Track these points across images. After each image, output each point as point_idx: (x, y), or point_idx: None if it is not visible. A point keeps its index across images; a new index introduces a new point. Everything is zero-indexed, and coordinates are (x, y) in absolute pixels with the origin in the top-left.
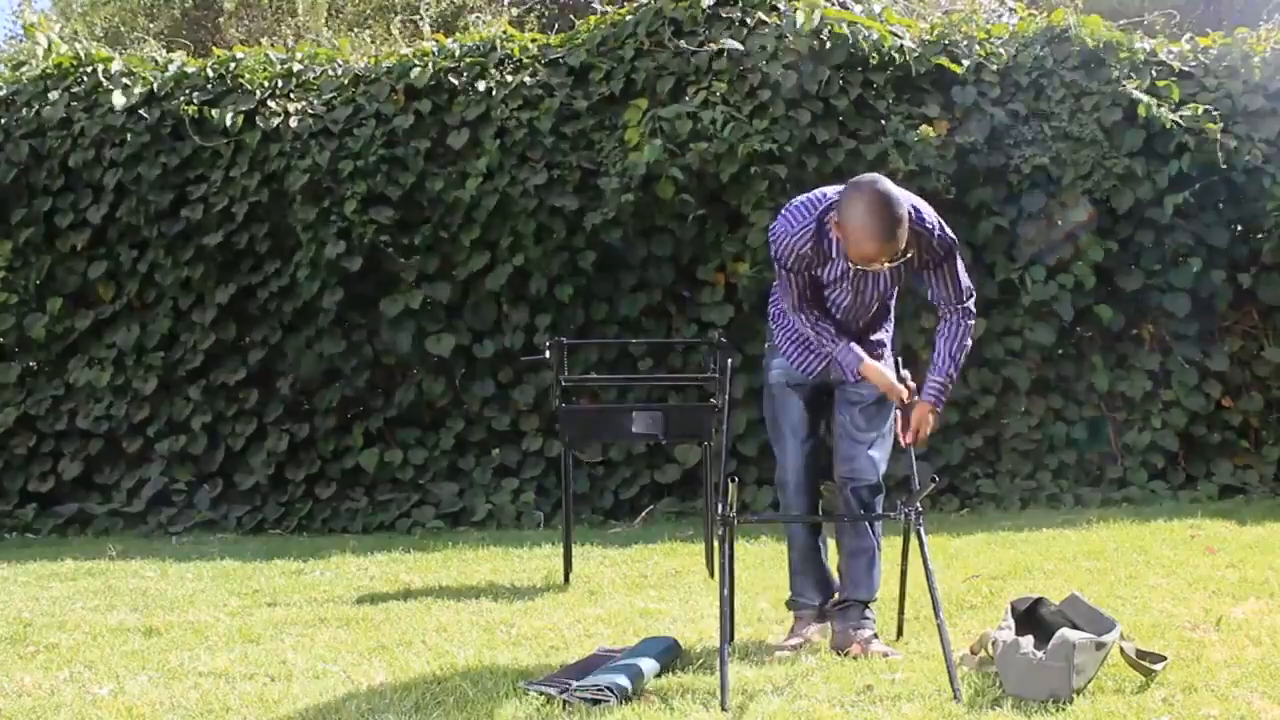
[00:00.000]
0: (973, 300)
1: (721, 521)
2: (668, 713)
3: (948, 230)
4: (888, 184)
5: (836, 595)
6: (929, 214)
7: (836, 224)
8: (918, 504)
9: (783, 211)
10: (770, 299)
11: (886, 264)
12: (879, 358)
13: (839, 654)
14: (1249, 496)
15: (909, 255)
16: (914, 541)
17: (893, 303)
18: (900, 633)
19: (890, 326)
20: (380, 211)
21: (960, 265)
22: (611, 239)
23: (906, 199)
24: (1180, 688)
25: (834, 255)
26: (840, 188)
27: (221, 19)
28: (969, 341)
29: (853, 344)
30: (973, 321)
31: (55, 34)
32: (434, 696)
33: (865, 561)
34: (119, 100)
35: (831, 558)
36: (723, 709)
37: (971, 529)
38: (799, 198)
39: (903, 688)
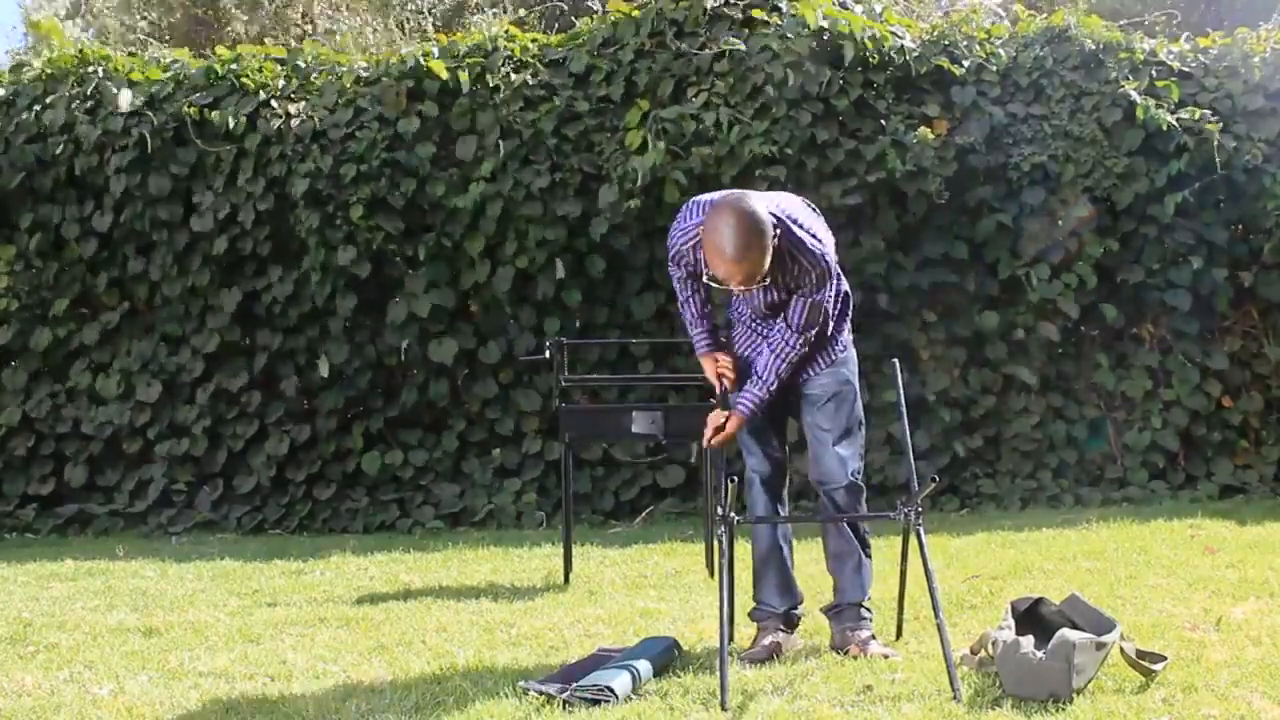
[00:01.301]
0: (802, 334)
1: (721, 522)
2: (668, 713)
3: (833, 265)
4: (752, 206)
5: (803, 604)
6: (828, 244)
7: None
8: (917, 504)
9: (683, 206)
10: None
11: (740, 287)
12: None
13: (839, 654)
14: (1249, 496)
15: (766, 282)
16: (914, 542)
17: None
18: (900, 633)
19: (831, 338)
20: (384, 215)
21: (824, 301)
22: (618, 245)
23: (805, 225)
24: (1180, 688)
25: (705, 267)
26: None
27: (236, 7)
28: (795, 358)
29: (706, 333)
30: (804, 347)
31: (62, 35)
32: (434, 696)
33: (851, 564)
34: (124, 103)
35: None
36: (723, 709)
37: (971, 529)
38: (703, 195)
39: (903, 688)
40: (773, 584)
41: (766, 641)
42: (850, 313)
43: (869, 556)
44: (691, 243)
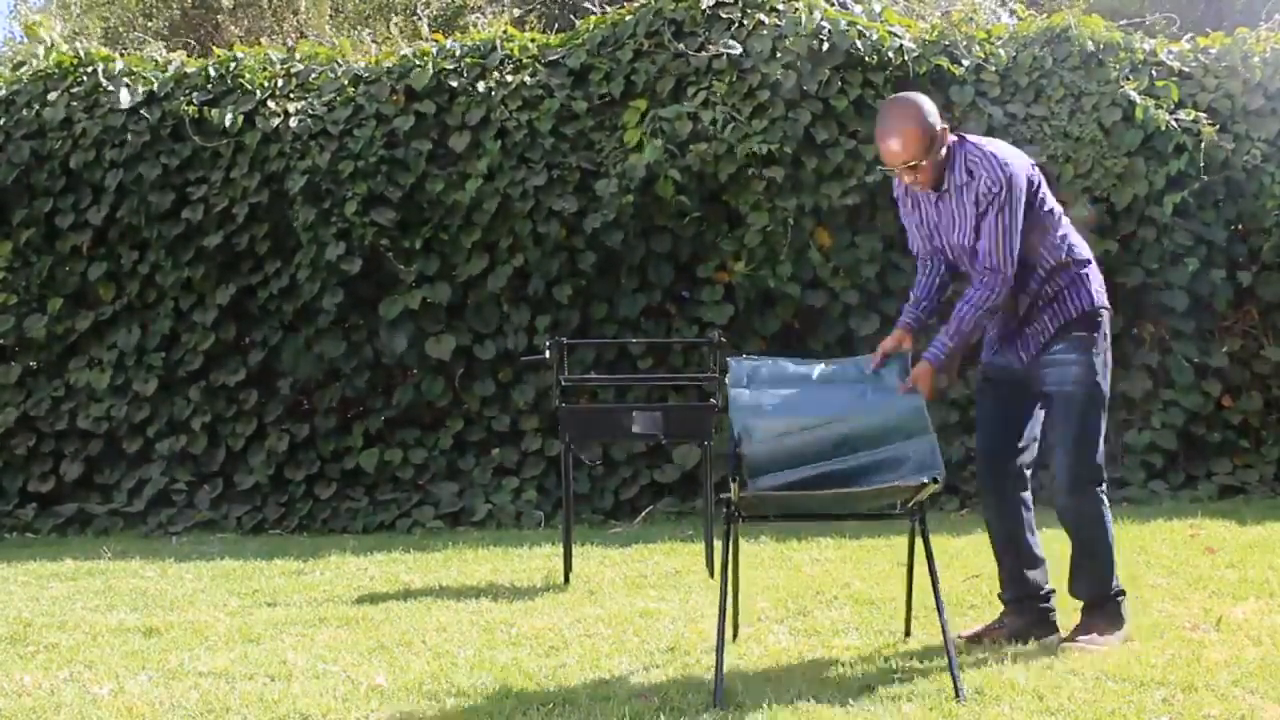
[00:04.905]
0: (996, 274)
1: (725, 519)
2: (667, 712)
3: (1005, 181)
4: (914, 94)
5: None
6: (997, 153)
7: None
8: (920, 504)
9: None
10: None
11: (902, 174)
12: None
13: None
14: (1249, 496)
15: (920, 165)
16: (918, 541)
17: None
18: (908, 632)
19: (1058, 300)
20: (381, 213)
21: (1000, 224)
22: (612, 241)
23: (985, 143)
24: (1180, 688)
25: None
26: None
27: (220, 16)
28: (982, 310)
29: (910, 307)
30: (991, 293)
31: (56, 34)
32: (434, 696)
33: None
34: (125, 98)
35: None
36: (717, 706)
37: (971, 529)
38: None
39: (903, 687)
40: (1002, 571)
41: (983, 628)
42: (1089, 276)
43: (1085, 554)
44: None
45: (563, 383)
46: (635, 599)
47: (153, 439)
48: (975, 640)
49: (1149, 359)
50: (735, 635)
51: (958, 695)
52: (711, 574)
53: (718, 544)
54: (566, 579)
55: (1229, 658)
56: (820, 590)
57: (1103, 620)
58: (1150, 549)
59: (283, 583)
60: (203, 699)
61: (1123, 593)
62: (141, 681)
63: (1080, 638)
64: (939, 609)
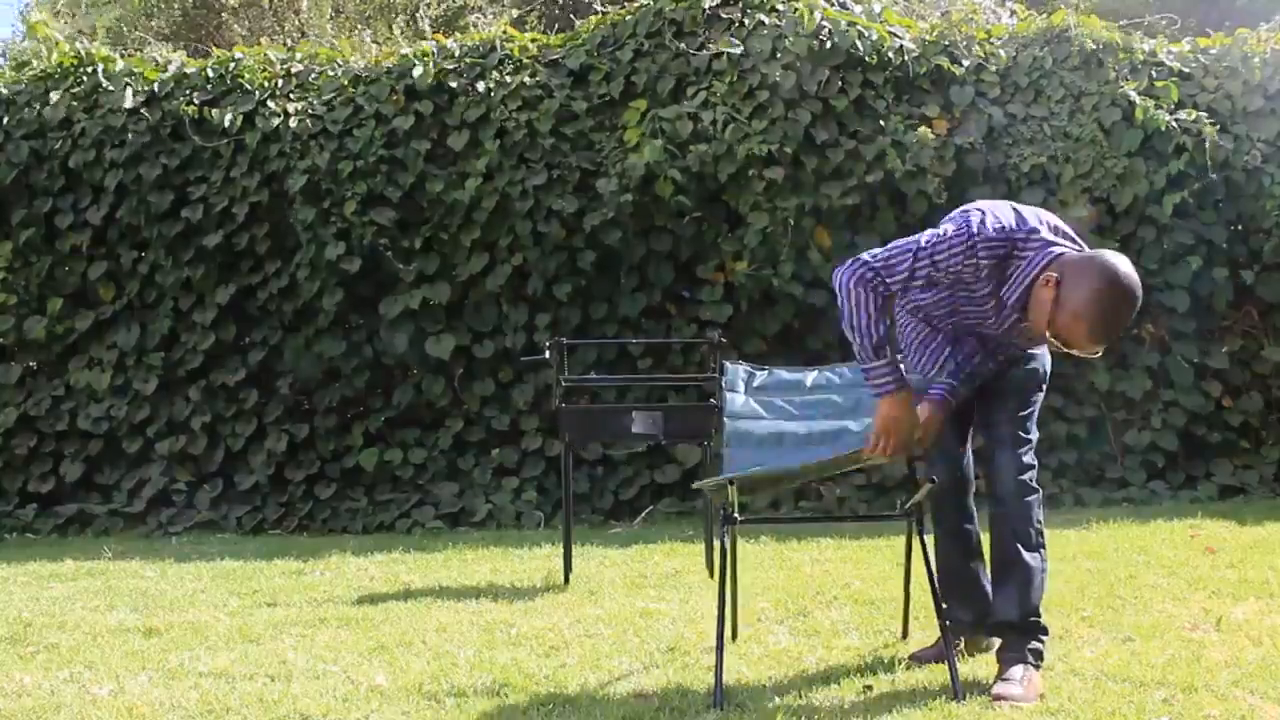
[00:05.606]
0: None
1: (724, 521)
2: (667, 713)
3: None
4: (1130, 270)
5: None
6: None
7: (1053, 288)
8: (919, 504)
9: (982, 213)
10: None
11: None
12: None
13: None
14: (1249, 496)
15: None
16: (916, 542)
17: None
18: (906, 633)
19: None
20: (381, 212)
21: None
22: (611, 241)
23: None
24: (1180, 688)
25: (992, 288)
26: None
27: (224, 15)
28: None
29: (883, 363)
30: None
31: (59, 33)
32: (434, 696)
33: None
34: (128, 99)
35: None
36: (719, 709)
37: None
38: (1001, 206)
39: (903, 687)
40: (955, 600)
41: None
42: None
43: (1011, 560)
44: (984, 262)
45: (563, 383)
46: (635, 599)
47: (153, 439)
48: (923, 660)
49: (1149, 359)
50: (735, 635)
51: (957, 695)
52: (711, 574)
53: (717, 544)
54: (566, 579)
55: (1229, 658)
56: (820, 590)
57: (1030, 654)
58: (1150, 549)
59: (283, 583)
60: (203, 699)
61: (1046, 630)
62: (141, 681)
63: (1012, 674)
64: (937, 610)
